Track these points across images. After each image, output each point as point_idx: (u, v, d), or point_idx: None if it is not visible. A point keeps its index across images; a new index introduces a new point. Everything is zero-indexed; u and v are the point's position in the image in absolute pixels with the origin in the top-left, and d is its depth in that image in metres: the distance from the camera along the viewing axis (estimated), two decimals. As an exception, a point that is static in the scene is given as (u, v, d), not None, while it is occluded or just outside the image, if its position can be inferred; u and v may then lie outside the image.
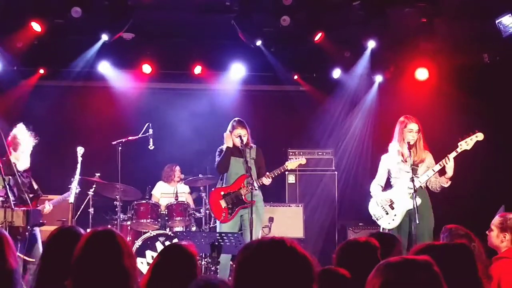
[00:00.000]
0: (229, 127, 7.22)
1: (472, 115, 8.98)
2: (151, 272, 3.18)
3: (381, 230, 6.80)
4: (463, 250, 3.02)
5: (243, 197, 7.09)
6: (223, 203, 7.13)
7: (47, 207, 7.17)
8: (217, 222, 7.29)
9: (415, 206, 6.29)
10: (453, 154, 6.53)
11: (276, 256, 2.26)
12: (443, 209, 7.17)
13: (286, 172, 9.36)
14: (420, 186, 6.63)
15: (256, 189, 6.82)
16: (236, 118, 7.28)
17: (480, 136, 6.52)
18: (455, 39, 8.86)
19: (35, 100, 9.52)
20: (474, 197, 9.10)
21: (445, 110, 9.16)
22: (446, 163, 6.53)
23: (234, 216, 7.10)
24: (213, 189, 7.45)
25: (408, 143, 6.66)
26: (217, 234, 6.13)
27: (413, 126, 6.78)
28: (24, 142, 6.89)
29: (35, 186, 7.09)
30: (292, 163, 7.29)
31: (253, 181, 6.77)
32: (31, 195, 6.81)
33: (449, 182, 6.63)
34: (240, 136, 7.04)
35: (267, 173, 7.09)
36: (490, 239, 4.63)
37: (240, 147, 7.02)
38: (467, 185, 9.09)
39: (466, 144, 6.51)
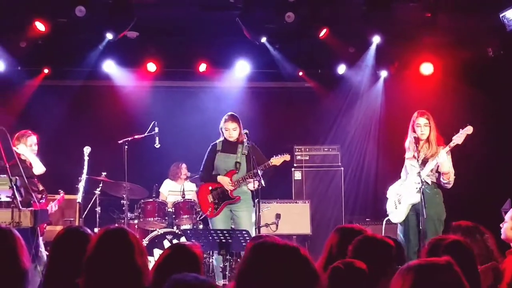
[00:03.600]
0: (221, 122, 7.34)
1: (477, 109, 8.98)
2: (155, 272, 3.15)
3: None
4: (459, 247, 3.07)
5: (229, 192, 7.20)
6: (210, 198, 7.28)
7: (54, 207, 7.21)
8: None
9: (422, 200, 6.27)
10: (446, 148, 6.50)
11: (288, 263, 2.21)
12: (449, 205, 7.15)
13: (292, 169, 9.41)
14: (426, 182, 6.56)
15: (245, 185, 6.92)
16: (229, 113, 7.41)
17: (469, 130, 6.45)
18: (459, 34, 8.86)
19: (40, 100, 9.53)
20: (480, 191, 9.08)
21: (451, 104, 9.14)
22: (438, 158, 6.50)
23: (220, 211, 7.21)
24: (202, 183, 7.52)
25: (417, 138, 6.62)
26: (225, 232, 6.13)
27: (420, 121, 6.69)
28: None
29: (40, 187, 7.11)
30: (276, 160, 7.28)
31: (253, 174, 6.86)
32: (39, 196, 6.85)
33: (450, 178, 6.55)
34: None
35: (247, 172, 7.13)
36: (505, 232, 4.59)
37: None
38: (473, 179, 9.08)
39: (458, 138, 6.47)
